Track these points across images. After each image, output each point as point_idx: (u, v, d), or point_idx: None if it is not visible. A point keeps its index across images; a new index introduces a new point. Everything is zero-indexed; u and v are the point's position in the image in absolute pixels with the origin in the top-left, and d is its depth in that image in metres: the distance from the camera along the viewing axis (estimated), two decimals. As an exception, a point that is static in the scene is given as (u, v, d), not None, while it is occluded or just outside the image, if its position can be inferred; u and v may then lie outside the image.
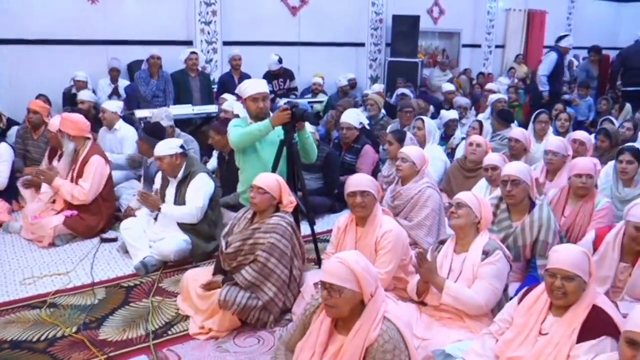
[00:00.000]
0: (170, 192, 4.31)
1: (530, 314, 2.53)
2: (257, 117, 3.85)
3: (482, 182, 4.52)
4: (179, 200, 4.24)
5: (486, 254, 2.93)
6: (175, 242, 4.16)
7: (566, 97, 8.57)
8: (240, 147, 3.91)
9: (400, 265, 3.37)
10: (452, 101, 7.92)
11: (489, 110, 7.26)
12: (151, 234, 4.27)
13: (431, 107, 8.04)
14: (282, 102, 6.33)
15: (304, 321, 2.51)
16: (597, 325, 2.34)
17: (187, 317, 3.45)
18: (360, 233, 3.40)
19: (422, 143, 5.35)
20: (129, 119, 6.38)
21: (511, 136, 5.15)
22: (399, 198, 4.11)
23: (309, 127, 4.13)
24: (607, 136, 5.55)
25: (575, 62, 12.70)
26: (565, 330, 2.38)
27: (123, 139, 5.89)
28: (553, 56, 7.92)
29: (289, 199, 3.48)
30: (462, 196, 3.12)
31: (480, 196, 3.22)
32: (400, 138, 4.77)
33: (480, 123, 6.27)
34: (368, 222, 3.37)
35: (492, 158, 4.31)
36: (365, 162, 5.66)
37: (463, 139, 6.14)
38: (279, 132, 3.81)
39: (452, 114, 6.70)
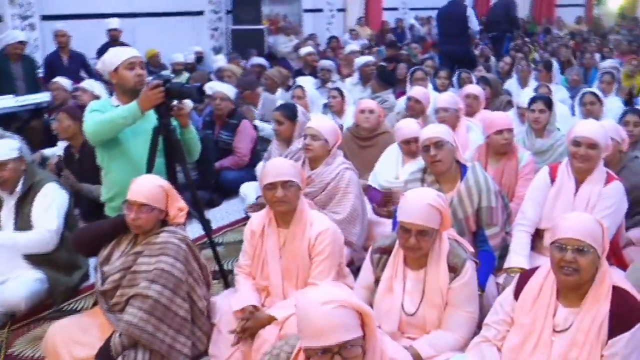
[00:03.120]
0: (7, 214, 3.17)
1: (536, 310, 2.04)
2: (135, 90, 2.87)
3: (391, 153, 3.94)
4: (21, 223, 3.12)
5: (454, 270, 2.30)
6: (25, 284, 3.05)
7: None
8: (99, 141, 2.92)
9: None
10: (313, 66, 7.33)
11: (357, 75, 6.74)
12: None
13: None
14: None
15: None
16: (626, 311, 1.91)
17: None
18: (284, 236, 2.68)
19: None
20: None
21: (411, 95, 4.71)
22: (310, 185, 3.37)
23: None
24: (487, 84, 5.45)
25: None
26: (591, 324, 1.92)
27: None
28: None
29: (178, 207, 2.61)
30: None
31: None
32: (291, 114, 3.99)
33: (339, 90, 5.55)
34: (294, 221, 2.66)
35: (412, 129, 3.68)
36: (243, 139, 4.88)
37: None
38: (149, 119, 2.87)
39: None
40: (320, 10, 11.96)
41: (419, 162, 3.49)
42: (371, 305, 2.38)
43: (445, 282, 2.28)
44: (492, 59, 8.66)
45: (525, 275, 2.16)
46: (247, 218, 4.25)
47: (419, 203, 2.23)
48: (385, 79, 5.98)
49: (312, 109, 4.90)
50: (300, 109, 3.99)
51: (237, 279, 2.79)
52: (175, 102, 2.87)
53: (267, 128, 5.14)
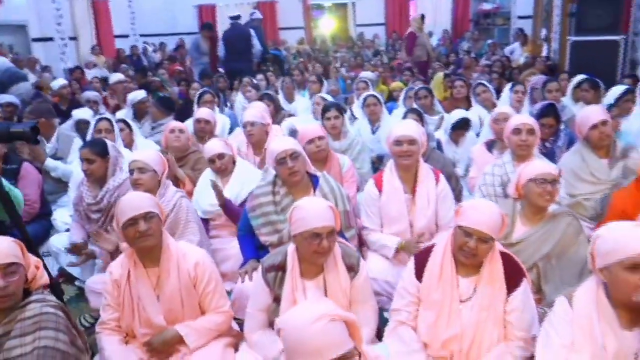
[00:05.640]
0: None
1: (442, 286, 2.28)
2: None
3: (206, 178, 3.82)
4: None
5: (352, 269, 2.41)
6: None
7: None
8: None
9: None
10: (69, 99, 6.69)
11: (130, 111, 6.23)
12: None
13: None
14: None
15: None
16: (513, 272, 2.26)
17: None
18: (155, 275, 2.47)
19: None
20: None
21: (200, 117, 4.73)
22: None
23: None
24: (271, 100, 5.82)
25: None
26: (492, 289, 2.23)
27: None
28: None
29: (33, 264, 2.21)
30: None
31: None
32: (101, 150, 3.53)
33: (126, 122, 5.20)
34: (164, 257, 2.47)
35: (216, 147, 3.69)
36: (28, 185, 4.04)
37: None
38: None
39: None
40: (50, 39, 10.87)
41: (237, 176, 3.65)
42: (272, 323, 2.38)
43: (347, 282, 2.38)
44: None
45: (421, 258, 2.37)
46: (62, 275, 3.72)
47: (320, 207, 2.29)
48: (165, 105, 5.81)
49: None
50: (109, 143, 3.65)
51: (99, 337, 2.47)
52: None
53: (61, 167, 4.52)
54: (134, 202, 2.42)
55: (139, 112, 5.89)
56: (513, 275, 2.24)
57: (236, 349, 2.54)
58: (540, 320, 2.21)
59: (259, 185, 3.30)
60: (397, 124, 3.41)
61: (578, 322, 1.89)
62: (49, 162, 4.47)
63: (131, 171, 3.29)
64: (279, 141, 3.17)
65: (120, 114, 6.22)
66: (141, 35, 13.74)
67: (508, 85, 5.69)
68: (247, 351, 2.43)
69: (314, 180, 3.16)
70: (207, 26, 9.28)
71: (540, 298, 2.56)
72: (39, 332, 2.02)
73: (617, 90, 4.74)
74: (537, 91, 5.17)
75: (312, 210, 2.27)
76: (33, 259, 2.22)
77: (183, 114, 5.92)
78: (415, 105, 5.11)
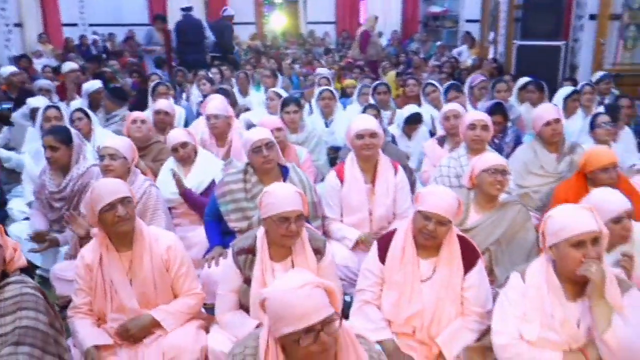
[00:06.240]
0: None
1: (404, 267, 2.43)
2: None
3: (167, 167, 3.85)
4: None
5: (319, 252, 2.53)
6: None
7: None
8: None
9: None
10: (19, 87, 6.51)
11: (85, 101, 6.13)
12: None
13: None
14: None
15: None
16: (469, 252, 2.45)
17: None
18: (128, 259, 2.52)
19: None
20: None
21: (160, 109, 4.75)
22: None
23: None
24: (227, 95, 5.76)
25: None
26: (450, 269, 2.40)
27: None
28: None
29: (11, 246, 2.23)
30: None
31: None
32: (66, 138, 3.49)
33: (84, 111, 5.14)
34: (136, 241, 2.53)
35: (178, 137, 3.75)
36: None
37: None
38: None
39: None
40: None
41: (199, 166, 3.73)
42: (247, 305, 2.48)
43: (314, 264, 2.49)
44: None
45: (383, 241, 2.53)
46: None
47: (288, 192, 2.40)
48: (118, 95, 5.74)
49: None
50: (73, 131, 3.64)
51: (71, 322, 2.50)
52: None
53: (14, 158, 4.43)
54: (111, 187, 2.46)
55: (94, 102, 5.81)
56: (469, 256, 2.43)
57: (207, 332, 2.61)
58: (493, 300, 2.40)
59: (230, 172, 3.39)
60: (357, 119, 3.54)
61: (529, 294, 2.10)
62: (2, 153, 4.38)
63: (102, 157, 3.32)
64: (255, 130, 3.31)
65: (74, 104, 6.11)
66: (90, 25, 13.40)
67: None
68: (218, 332, 2.51)
69: (283, 171, 3.28)
70: (160, 18, 9.17)
71: (492, 280, 2.75)
72: (19, 312, 2.05)
73: (564, 91, 5.10)
74: (476, 90, 5.46)
75: (281, 195, 2.38)
76: (11, 241, 2.24)
77: (138, 105, 5.88)
78: (371, 101, 5.30)
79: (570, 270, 2.02)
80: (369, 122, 3.35)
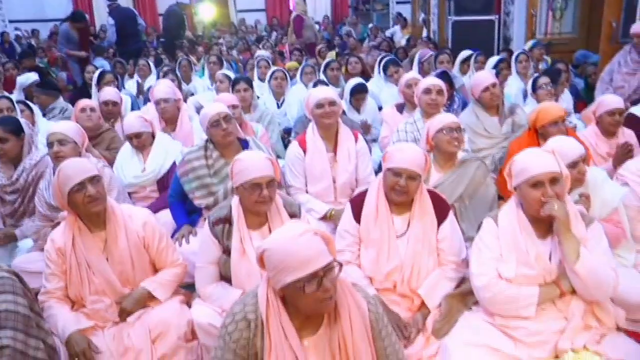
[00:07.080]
0: None
1: (380, 225, 2.50)
2: None
3: (125, 152, 3.80)
4: None
5: (294, 216, 2.55)
6: None
7: None
8: None
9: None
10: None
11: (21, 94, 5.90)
12: None
13: None
14: None
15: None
16: (440, 206, 2.55)
17: None
18: (102, 239, 2.48)
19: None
20: None
21: (107, 99, 4.67)
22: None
23: None
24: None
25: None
26: (423, 223, 2.49)
27: None
28: None
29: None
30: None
31: None
32: (16, 129, 3.32)
33: (27, 104, 5.02)
34: (110, 220, 2.49)
35: (135, 124, 3.68)
36: None
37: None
38: None
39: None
40: None
41: (156, 150, 3.68)
42: (227, 276, 2.49)
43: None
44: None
45: (357, 202, 2.58)
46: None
47: (258, 158, 2.40)
48: (50, 87, 5.52)
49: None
50: (24, 121, 3.50)
51: (47, 306, 2.42)
52: None
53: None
54: (78, 167, 2.42)
55: (30, 95, 5.58)
56: (440, 209, 2.53)
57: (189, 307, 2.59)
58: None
59: (190, 150, 3.37)
60: (315, 90, 3.60)
61: (503, 236, 2.22)
62: None
63: (50, 144, 3.21)
64: (211, 106, 3.29)
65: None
66: (10, 22, 12.73)
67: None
68: (202, 304, 2.50)
69: (244, 144, 3.29)
70: (77, 16, 8.55)
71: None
72: None
73: (492, 60, 5.37)
74: (425, 64, 5.64)
75: (251, 162, 2.38)
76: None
77: (81, 97, 5.67)
78: (322, 78, 5.39)
79: (534, 210, 2.14)
80: (327, 92, 3.42)
